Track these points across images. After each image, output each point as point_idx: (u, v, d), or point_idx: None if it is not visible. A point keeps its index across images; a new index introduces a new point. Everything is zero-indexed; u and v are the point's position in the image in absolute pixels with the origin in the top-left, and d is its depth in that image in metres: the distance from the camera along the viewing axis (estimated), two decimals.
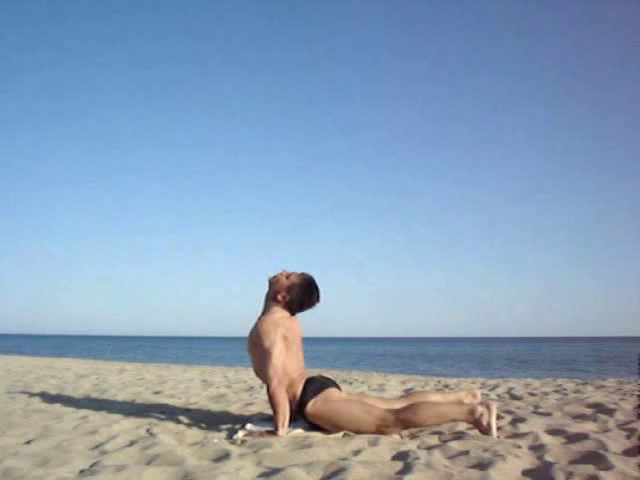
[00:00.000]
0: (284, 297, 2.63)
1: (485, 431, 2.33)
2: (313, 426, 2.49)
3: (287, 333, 2.56)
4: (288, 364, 2.53)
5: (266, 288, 2.73)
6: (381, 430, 2.39)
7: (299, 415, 2.52)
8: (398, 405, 2.49)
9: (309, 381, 2.55)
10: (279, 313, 2.63)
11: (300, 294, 2.63)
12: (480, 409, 2.35)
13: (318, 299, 2.68)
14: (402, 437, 2.40)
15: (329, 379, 2.65)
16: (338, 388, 2.61)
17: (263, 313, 2.68)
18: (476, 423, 2.36)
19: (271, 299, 2.67)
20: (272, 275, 2.71)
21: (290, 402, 2.50)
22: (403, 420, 2.37)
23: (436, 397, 2.59)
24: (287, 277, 2.67)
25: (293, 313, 2.68)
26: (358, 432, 2.41)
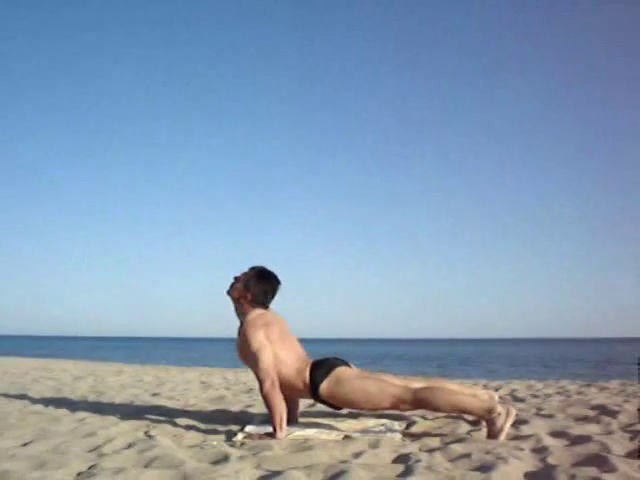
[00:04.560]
0: (246, 297, 2.65)
1: (493, 434, 2.28)
2: (330, 405, 2.52)
3: (268, 330, 2.55)
4: (286, 357, 2.53)
5: (231, 304, 2.75)
6: (396, 406, 2.41)
7: (315, 399, 2.52)
8: (416, 384, 2.48)
9: (317, 364, 2.55)
10: (252, 313, 2.63)
11: (259, 284, 2.65)
12: (500, 409, 2.30)
13: (277, 280, 2.71)
14: (403, 439, 2.38)
15: (337, 358, 2.64)
16: (348, 366, 2.60)
17: (241, 323, 2.67)
18: (489, 423, 2.31)
19: (239, 308, 2.69)
20: (227, 289, 2.73)
21: (302, 390, 2.51)
22: (420, 400, 2.36)
23: (454, 386, 2.59)
24: (238, 280, 2.69)
25: (266, 305, 2.69)
26: (373, 409, 2.44)
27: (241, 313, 2.69)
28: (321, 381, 2.47)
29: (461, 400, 2.35)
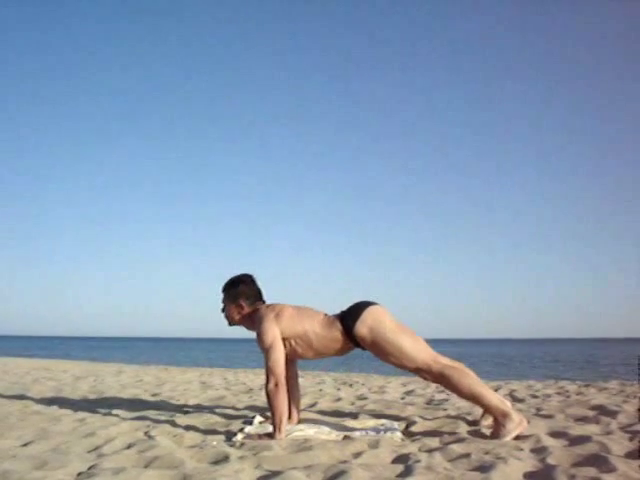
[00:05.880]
0: (244, 308, 2.67)
1: (499, 434, 2.29)
2: (363, 348, 2.54)
3: (282, 316, 2.55)
4: (312, 321, 2.56)
5: (240, 329, 2.78)
6: (419, 372, 2.44)
7: (352, 343, 2.52)
8: (445, 361, 2.48)
9: (345, 311, 2.57)
10: (261, 309, 2.64)
11: (241, 290, 2.68)
12: (514, 416, 2.31)
13: (247, 275, 2.75)
14: (403, 439, 2.38)
15: (362, 301, 2.61)
16: (376, 304, 2.59)
17: (257, 330, 2.62)
18: (498, 423, 2.32)
19: (248, 321, 2.69)
20: (227, 323, 2.76)
21: (342, 339, 2.51)
22: (446, 376, 2.38)
23: (478, 378, 2.58)
24: (225, 303, 2.72)
25: (263, 301, 2.72)
26: (397, 366, 2.46)
27: (252, 321, 2.66)
28: (354, 323, 2.48)
29: (483, 393, 2.36)
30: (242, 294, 2.67)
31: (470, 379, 2.38)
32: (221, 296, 2.75)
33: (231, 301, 2.69)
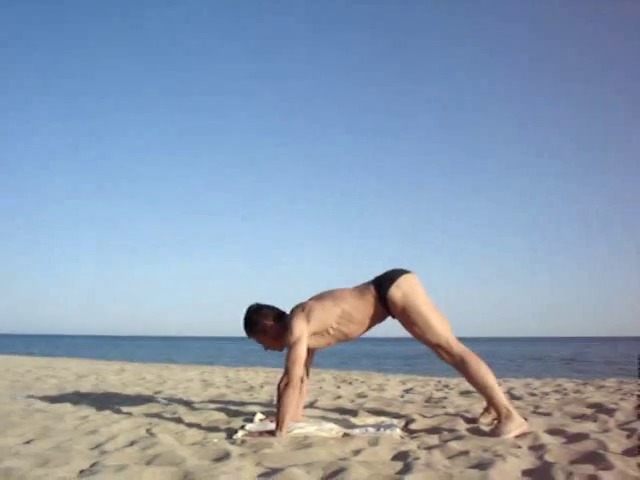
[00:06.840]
0: (274, 327, 2.68)
1: (499, 432, 2.31)
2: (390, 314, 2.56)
3: (312, 313, 2.56)
4: (346, 297, 2.59)
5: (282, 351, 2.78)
6: (438, 350, 2.47)
7: (383, 307, 2.54)
8: (465, 347, 2.50)
9: (379, 277, 2.59)
10: (290, 312, 2.66)
11: (257, 316, 2.68)
12: (517, 417, 2.34)
13: (251, 305, 2.75)
14: (402, 437, 2.40)
15: (398, 268, 2.62)
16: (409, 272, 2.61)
17: (286, 332, 2.61)
18: (500, 421, 2.36)
19: (280, 333, 2.67)
20: (263, 347, 2.78)
21: (378, 304, 2.53)
22: (464, 361, 2.43)
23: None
24: (258, 338, 2.72)
25: (282, 311, 2.74)
26: (419, 339, 2.49)
27: (281, 333, 2.65)
28: (389, 286, 2.50)
29: (495, 387, 2.40)
30: (262, 317, 2.68)
31: (486, 370, 2.42)
32: (251, 339, 2.76)
33: (259, 330, 2.69)
